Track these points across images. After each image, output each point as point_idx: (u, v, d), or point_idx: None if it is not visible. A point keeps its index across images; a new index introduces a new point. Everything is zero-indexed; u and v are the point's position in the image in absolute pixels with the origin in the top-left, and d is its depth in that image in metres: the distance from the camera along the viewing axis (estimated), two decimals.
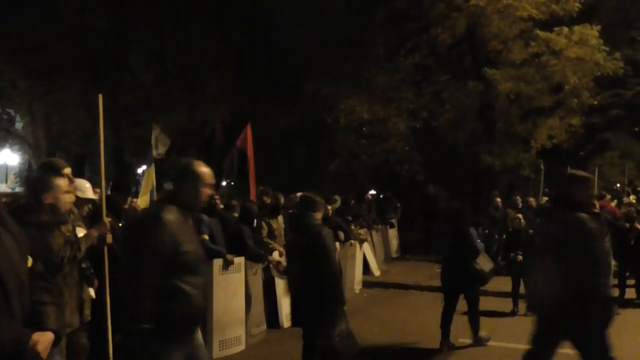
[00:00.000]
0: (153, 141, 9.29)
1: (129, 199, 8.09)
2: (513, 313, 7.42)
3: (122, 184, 6.67)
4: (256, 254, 6.23)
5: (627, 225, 7.95)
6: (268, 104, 16.25)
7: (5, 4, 14.67)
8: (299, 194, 8.74)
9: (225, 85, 17.17)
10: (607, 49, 12.88)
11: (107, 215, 3.82)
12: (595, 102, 13.95)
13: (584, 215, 3.53)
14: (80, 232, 3.60)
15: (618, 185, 17.50)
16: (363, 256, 9.95)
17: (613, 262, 7.62)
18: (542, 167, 11.20)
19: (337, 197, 9.95)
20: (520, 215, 8.02)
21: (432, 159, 14.82)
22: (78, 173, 16.26)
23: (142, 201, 7.68)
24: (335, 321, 3.90)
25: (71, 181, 3.53)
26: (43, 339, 2.00)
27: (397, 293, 9.27)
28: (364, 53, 14.78)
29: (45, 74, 15.67)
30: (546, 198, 11.67)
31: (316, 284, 3.95)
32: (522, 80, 13.14)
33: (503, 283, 7.90)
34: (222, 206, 7.06)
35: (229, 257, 5.77)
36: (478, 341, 6.01)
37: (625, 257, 8.03)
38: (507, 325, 6.86)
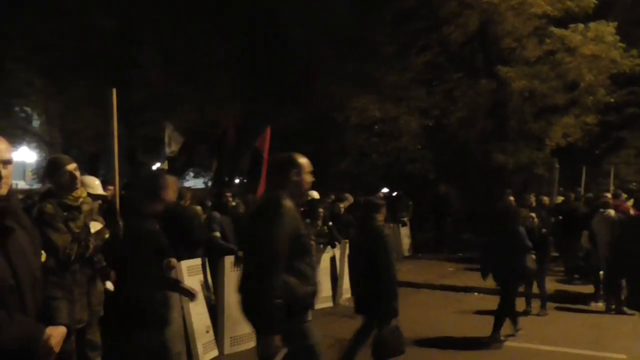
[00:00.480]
0: (166, 139, 9.40)
1: None
2: (526, 312, 7.35)
3: (135, 182, 6.78)
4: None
5: None
6: (275, 103, 16.28)
7: (18, 4, 14.85)
8: (312, 192, 8.80)
9: (233, 84, 17.24)
10: (624, 45, 12.70)
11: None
12: (611, 100, 13.75)
13: None
14: (94, 228, 3.63)
15: (634, 184, 17.24)
16: None
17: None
18: (556, 165, 11.07)
19: (348, 196, 9.97)
20: (533, 214, 7.93)
21: (444, 157, 14.74)
22: (93, 171, 16.52)
23: None
24: (389, 315, 4.29)
25: (75, 177, 3.55)
26: (55, 334, 2.01)
27: (408, 291, 9.22)
28: (372, 52, 14.73)
29: (57, 73, 15.87)
30: (561, 197, 11.55)
31: (375, 280, 4.35)
32: (536, 78, 13.02)
33: None
34: (234, 204, 7.10)
35: (240, 254, 5.79)
36: (495, 338, 6.00)
37: None
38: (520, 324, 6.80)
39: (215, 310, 5.58)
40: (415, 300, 8.47)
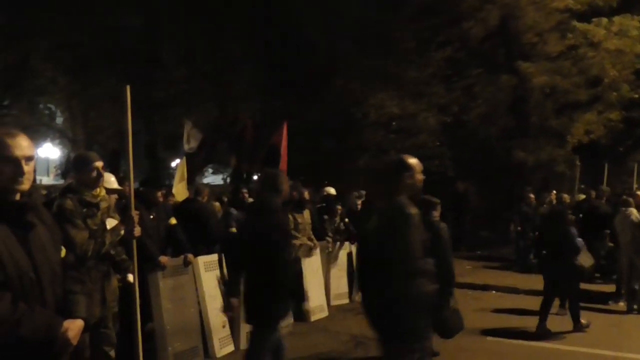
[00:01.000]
0: (185, 136, 9.53)
1: (161, 192, 8.31)
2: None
3: (153, 178, 6.85)
4: None
5: None
6: (294, 100, 16.29)
7: (43, 2, 15.12)
8: (328, 188, 8.81)
9: (253, 81, 17.31)
10: None
11: (137, 208, 3.89)
12: (636, 96, 13.44)
13: None
14: (110, 224, 3.69)
15: None
16: None
17: None
18: (577, 162, 10.88)
19: (364, 192, 9.95)
20: None
21: (463, 154, 14.58)
22: (114, 168, 16.80)
23: (175, 191, 7.93)
24: (449, 300, 4.64)
25: (101, 175, 3.62)
26: (73, 326, 2.07)
27: None
28: (393, 48, 14.64)
29: (80, 71, 16.14)
30: (583, 195, 11.34)
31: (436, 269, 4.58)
32: (558, 74, 12.80)
33: (534, 281, 7.73)
34: (250, 200, 7.16)
35: None
36: (579, 328, 6.31)
37: None
38: (537, 323, 6.72)
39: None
40: None
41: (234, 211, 6.21)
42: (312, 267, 7.02)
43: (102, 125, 17.95)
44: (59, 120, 21.14)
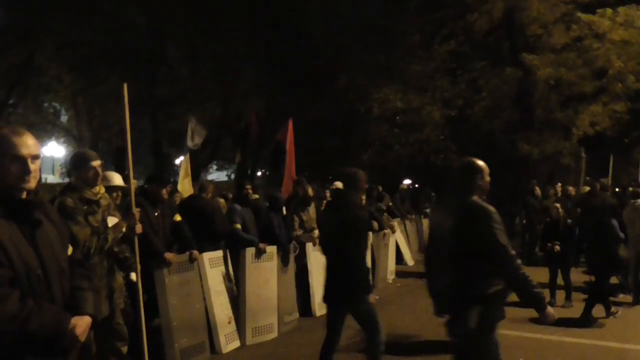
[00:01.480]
0: (189, 132, 9.55)
1: (166, 189, 8.36)
2: (550, 304, 7.21)
3: (158, 175, 6.85)
4: (282, 243, 6.29)
5: None
6: (299, 96, 16.29)
7: (47, 2, 15.15)
8: (337, 182, 8.80)
9: (257, 78, 17.29)
10: None
11: (141, 204, 3.91)
12: None
13: None
14: (111, 222, 3.71)
15: None
16: (396, 246, 9.93)
17: None
18: (582, 155, 10.82)
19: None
20: (558, 205, 7.80)
21: (467, 147, 14.54)
22: (119, 165, 16.85)
23: (181, 187, 7.97)
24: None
25: (98, 174, 3.64)
26: (81, 323, 2.08)
27: None
28: (397, 42, 14.60)
29: (85, 68, 16.17)
30: (587, 187, 11.28)
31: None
32: (563, 66, 12.72)
33: (540, 274, 7.71)
34: (255, 196, 7.16)
35: (261, 245, 5.86)
36: (588, 319, 6.42)
37: None
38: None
39: (237, 302, 5.67)
40: None
41: (238, 207, 6.21)
42: (318, 263, 7.03)
43: (107, 122, 17.98)
44: (64, 118, 21.19)
